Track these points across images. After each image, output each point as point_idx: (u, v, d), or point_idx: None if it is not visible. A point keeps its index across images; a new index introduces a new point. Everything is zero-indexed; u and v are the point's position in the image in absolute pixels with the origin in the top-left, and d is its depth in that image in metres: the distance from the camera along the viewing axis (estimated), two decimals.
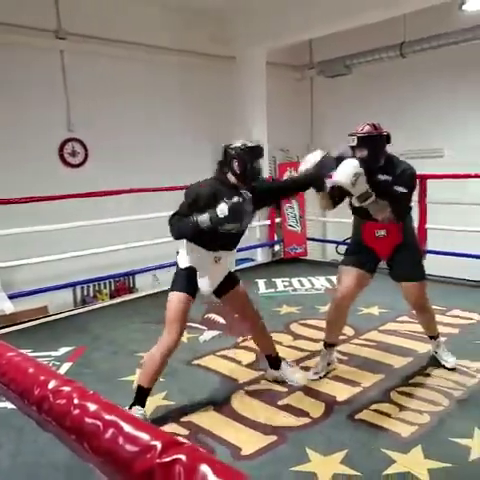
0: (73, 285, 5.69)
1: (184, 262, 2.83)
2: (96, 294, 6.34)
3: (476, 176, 5.27)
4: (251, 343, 3.88)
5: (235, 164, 2.72)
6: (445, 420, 2.69)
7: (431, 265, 4.83)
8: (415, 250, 3.18)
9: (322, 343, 3.36)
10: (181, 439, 0.58)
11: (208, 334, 4.11)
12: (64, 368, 3.57)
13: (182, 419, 2.81)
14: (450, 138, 6.81)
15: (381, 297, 4.41)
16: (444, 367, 3.31)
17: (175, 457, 0.54)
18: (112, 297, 6.18)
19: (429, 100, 7.19)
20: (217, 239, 2.77)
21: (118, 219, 5.42)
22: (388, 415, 2.76)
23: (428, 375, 3.22)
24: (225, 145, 2.80)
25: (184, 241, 2.81)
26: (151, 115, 6.77)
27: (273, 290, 5.40)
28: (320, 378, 3.24)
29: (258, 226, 6.91)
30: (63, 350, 3.90)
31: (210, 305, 4.85)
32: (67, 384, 0.79)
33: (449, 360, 3.34)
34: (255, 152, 2.76)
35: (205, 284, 2.86)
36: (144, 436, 0.63)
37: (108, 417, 0.67)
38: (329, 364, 3.31)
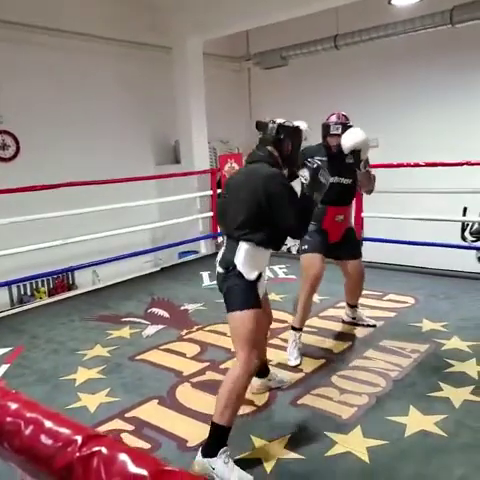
0: (8, 284, 5.48)
1: (251, 271, 2.37)
2: (34, 292, 6.14)
3: (408, 165, 5.48)
4: (195, 335, 3.89)
5: (286, 144, 2.42)
6: (383, 400, 2.80)
7: (369, 252, 5.01)
8: (356, 232, 3.68)
9: (292, 330, 3.42)
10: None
11: (151, 329, 4.07)
12: (1, 370, 3.44)
13: (127, 415, 2.78)
14: (384, 128, 7.02)
15: (321, 285, 4.51)
16: (368, 325, 3.80)
17: (95, 449, 0.54)
18: (51, 295, 6.00)
19: (363, 90, 7.39)
20: None
21: (56, 214, 5.24)
22: (329, 398, 2.84)
23: (366, 358, 3.33)
24: (272, 120, 2.45)
25: (245, 245, 2.37)
26: (86, 106, 6.58)
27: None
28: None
29: (200, 218, 6.90)
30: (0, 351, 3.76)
31: (153, 299, 4.81)
32: None
33: (368, 319, 3.86)
34: (302, 136, 2.50)
35: (262, 288, 2.49)
36: (65, 431, 0.60)
37: (29, 415, 0.65)
38: (299, 349, 3.37)
